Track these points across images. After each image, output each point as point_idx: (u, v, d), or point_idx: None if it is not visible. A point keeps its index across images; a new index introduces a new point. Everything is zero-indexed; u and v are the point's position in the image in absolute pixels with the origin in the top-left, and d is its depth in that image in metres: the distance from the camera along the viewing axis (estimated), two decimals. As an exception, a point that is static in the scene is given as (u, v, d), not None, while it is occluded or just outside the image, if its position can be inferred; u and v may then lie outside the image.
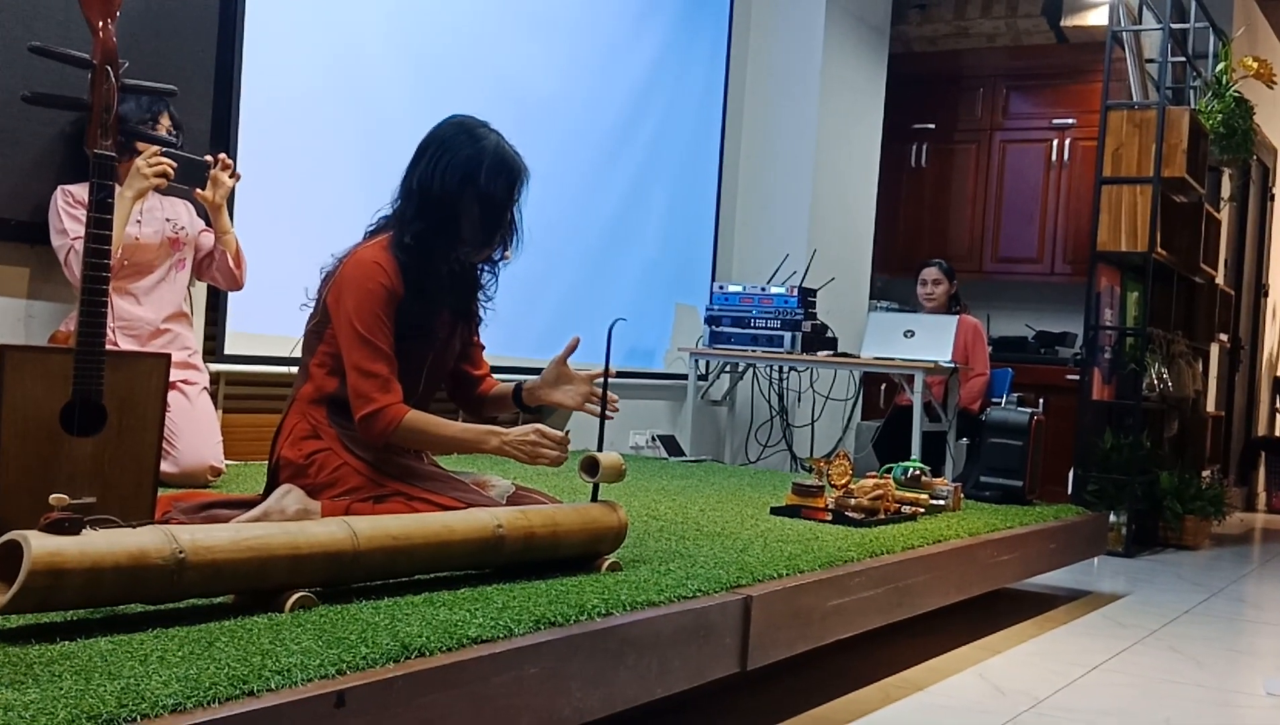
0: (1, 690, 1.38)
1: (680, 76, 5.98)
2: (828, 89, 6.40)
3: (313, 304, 2.56)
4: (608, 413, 2.48)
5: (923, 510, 3.65)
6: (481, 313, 2.72)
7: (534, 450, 2.46)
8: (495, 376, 2.80)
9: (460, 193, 2.49)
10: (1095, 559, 5.00)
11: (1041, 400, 6.65)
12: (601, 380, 2.53)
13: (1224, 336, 7.69)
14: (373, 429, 2.43)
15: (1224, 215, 6.99)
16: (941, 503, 3.80)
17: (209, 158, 3.40)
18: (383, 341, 2.44)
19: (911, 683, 2.91)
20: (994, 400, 5.56)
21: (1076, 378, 6.14)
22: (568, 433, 2.52)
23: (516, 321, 4.93)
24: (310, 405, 2.50)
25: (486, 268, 2.66)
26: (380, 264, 2.46)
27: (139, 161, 3.12)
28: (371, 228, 2.59)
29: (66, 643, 1.59)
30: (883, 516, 3.40)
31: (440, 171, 2.49)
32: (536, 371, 2.69)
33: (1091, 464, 5.61)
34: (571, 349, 2.61)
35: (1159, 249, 5.63)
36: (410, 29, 4.52)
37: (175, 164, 3.18)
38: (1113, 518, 5.33)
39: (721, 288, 5.75)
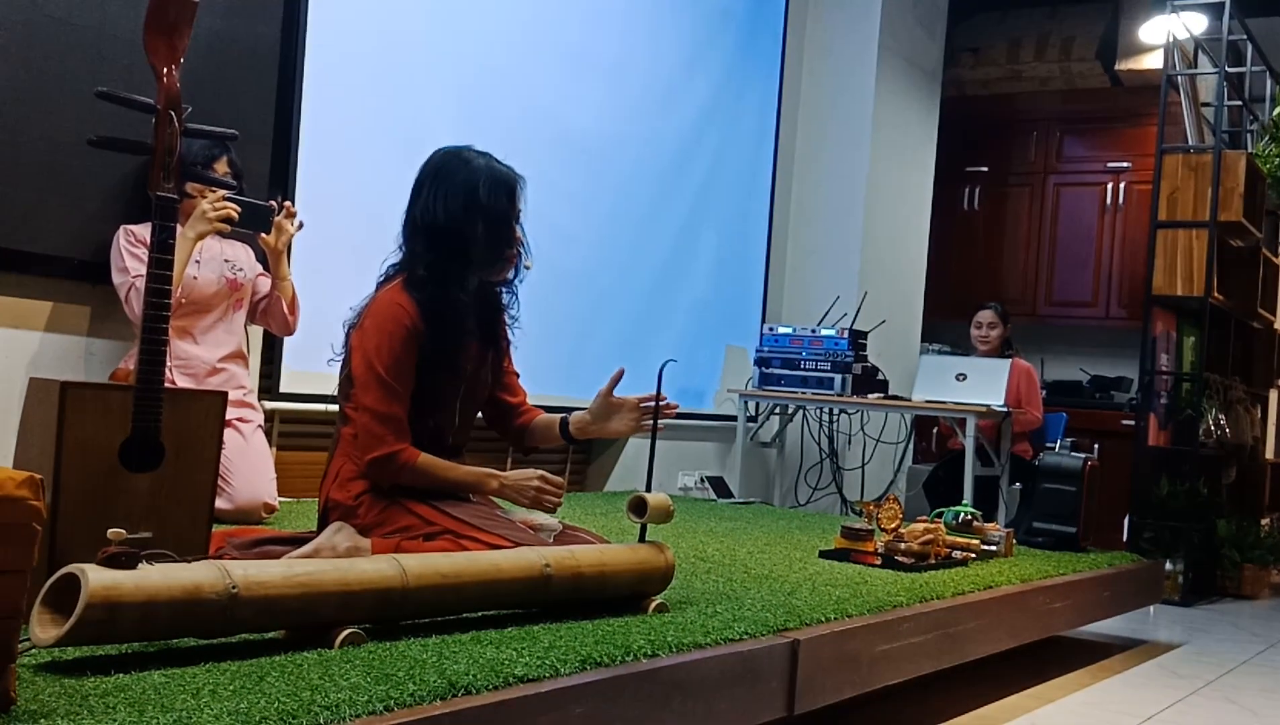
0: (58, 721, 1.40)
1: (732, 119, 6.01)
2: (879, 132, 6.41)
3: (341, 357, 2.60)
4: (662, 416, 2.51)
5: (974, 555, 3.61)
6: (510, 336, 2.74)
7: (537, 496, 2.53)
8: (540, 410, 2.81)
9: (464, 216, 2.53)
10: (1151, 607, 4.91)
11: (1096, 445, 6.54)
12: (650, 400, 2.56)
13: (1283, 382, 7.56)
14: (385, 470, 2.46)
15: (1282, 260, 6.89)
16: (993, 548, 3.77)
17: (273, 203, 3.44)
18: (401, 384, 2.46)
19: (961, 730, 2.88)
20: (1048, 445, 5.50)
21: (1132, 423, 6.07)
22: (565, 479, 2.55)
23: (568, 362, 4.97)
24: (354, 444, 2.53)
25: (505, 288, 2.68)
26: (400, 304, 2.49)
27: (203, 204, 3.17)
28: (382, 277, 2.62)
29: (121, 675, 1.62)
30: (933, 561, 3.37)
31: (441, 199, 2.54)
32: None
33: (1147, 511, 5.53)
34: (616, 381, 2.64)
35: (1215, 293, 5.57)
36: (464, 73, 4.58)
37: (240, 208, 3.23)
38: (1169, 566, 5.24)
39: (771, 329, 5.75)
